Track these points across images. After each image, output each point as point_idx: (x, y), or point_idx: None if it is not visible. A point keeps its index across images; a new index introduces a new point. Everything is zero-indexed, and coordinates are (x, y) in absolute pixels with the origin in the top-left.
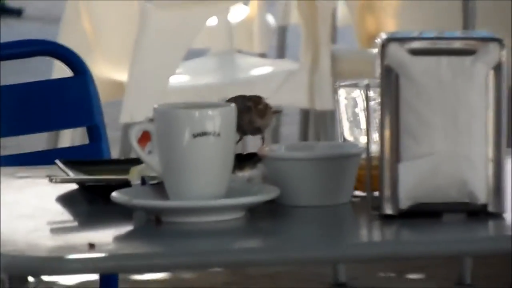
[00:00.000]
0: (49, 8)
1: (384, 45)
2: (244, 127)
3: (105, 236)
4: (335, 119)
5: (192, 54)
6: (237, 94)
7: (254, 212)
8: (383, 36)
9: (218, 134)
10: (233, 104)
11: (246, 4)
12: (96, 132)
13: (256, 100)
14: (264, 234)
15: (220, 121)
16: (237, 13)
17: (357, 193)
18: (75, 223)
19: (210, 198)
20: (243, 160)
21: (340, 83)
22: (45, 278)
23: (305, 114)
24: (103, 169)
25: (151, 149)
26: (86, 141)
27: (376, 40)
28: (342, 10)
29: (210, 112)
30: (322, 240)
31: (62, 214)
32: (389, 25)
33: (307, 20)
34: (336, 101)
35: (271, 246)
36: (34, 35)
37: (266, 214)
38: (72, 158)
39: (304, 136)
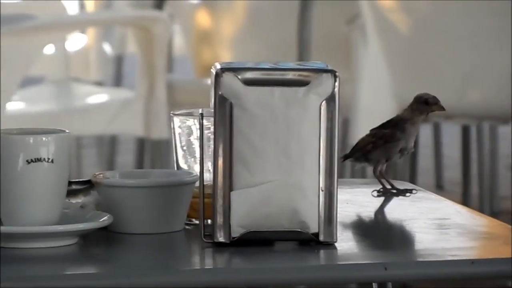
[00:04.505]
0: None
1: (218, 75)
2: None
3: None
4: (171, 148)
5: (28, 82)
6: (73, 122)
7: (87, 239)
8: (217, 65)
9: (52, 161)
10: (67, 131)
11: (83, 32)
12: None
13: None
14: (97, 260)
15: (54, 147)
16: (74, 42)
17: (191, 221)
18: None
19: (42, 224)
20: (77, 187)
21: (174, 112)
22: None
23: (141, 143)
24: None
25: None
26: None
27: (210, 70)
28: (178, 40)
29: (44, 138)
30: (154, 267)
31: None
32: (225, 57)
33: (144, 49)
34: (171, 130)
35: (104, 273)
36: None
37: (99, 241)
38: None
39: (139, 164)
